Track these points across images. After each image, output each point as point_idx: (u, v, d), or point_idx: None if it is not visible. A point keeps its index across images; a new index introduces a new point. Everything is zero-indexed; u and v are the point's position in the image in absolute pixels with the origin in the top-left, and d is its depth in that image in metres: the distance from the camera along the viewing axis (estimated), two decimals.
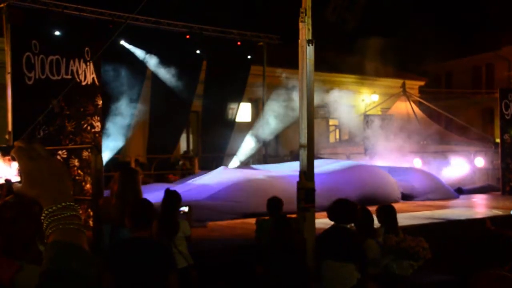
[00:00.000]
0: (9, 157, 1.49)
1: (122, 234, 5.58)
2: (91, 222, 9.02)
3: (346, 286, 5.85)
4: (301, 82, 7.14)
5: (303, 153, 6.99)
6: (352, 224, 6.21)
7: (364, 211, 6.65)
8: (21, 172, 1.47)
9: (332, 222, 6.07)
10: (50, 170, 1.47)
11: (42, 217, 1.43)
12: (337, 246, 5.87)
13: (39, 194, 1.44)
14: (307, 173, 6.95)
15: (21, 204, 2.47)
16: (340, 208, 6.06)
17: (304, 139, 7.04)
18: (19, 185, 1.48)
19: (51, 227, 1.41)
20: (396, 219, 6.90)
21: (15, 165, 1.48)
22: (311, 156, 7.00)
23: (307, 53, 7.05)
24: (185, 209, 6.86)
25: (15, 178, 1.49)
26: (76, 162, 10.79)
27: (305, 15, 7.04)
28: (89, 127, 11.07)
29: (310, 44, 7.04)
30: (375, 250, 6.34)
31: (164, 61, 17.73)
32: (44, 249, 1.42)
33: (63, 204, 1.44)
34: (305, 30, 7.04)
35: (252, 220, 8.27)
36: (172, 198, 6.50)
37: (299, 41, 7.12)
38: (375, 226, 6.71)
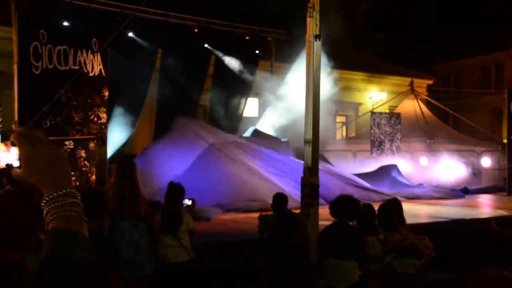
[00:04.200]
0: (9, 142, 1.47)
1: (121, 227, 5.57)
2: None
3: (348, 283, 5.83)
4: (307, 77, 7.12)
5: (308, 149, 6.97)
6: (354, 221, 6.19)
7: (367, 208, 6.64)
8: (21, 157, 1.45)
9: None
10: (50, 156, 1.45)
11: (42, 204, 1.41)
12: (339, 244, 5.85)
13: (39, 180, 1.42)
14: (311, 169, 6.93)
15: (21, 192, 2.46)
16: (343, 205, 6.03)
17: (309, 135, 7.01)
18: (19, 170, 1.45)
19: (52, 214, 1.39)
20: (396, 216, 6.86)
21: (14, 150, 1.46)
22: (316, 152, 6.99)
23: (314, 48, 7.02)
24: (188, 202, 6.85)
25: (16, 163, 1.47)
26: (82, 153, 10.82)
27: (313, 10, 7.01)
28: (95, 118, 11.08)
29: (317, 39, 7.01)
30: (375, 247, 6.32)
31: (172, 55, 17.73)
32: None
33: (64, 191, 1.42)
34: (312, 25, 7.01)
35: (255, 215, 8.26)
36: (176, 191, 6.49)
37: (307, 36, 7.09)
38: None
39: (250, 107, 21.90)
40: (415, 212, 12.00)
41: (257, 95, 22.68)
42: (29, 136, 1.45)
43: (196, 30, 17.83)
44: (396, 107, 26.12)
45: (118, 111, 15.71)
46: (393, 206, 6.99)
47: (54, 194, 1.41)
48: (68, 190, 1.43)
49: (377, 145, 20.91)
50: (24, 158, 1.44)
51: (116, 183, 5.81)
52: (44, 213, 1.41)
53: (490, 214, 12.38)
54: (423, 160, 21.00)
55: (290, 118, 18.14)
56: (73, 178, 10.53)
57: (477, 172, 21.13)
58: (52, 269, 1.32)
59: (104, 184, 7.47)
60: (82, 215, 1.43)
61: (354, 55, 25.80)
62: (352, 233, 5.97)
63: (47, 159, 1.44)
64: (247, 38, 18.97)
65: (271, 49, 19.87)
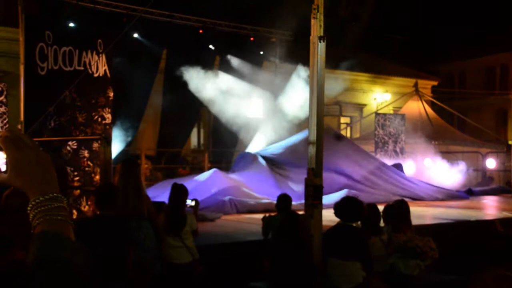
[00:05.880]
0: None
1: (129, 227, 5.58)
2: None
3: (352, 284, 5.84)
4: (311, 78, 7.11)
5: (312, 150, 6.97)
6: (359, 222, 6.20)
7: (371, 208, 6.64)
8: (7, 162, 1.44)
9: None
10: (37, 160, 1.44)
11: (29, 208, 1.40)
12: (343, 244, 5.86)
13: (25, 185, 1.42)
14: (315, 170, 6.93)
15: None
16: (348, 206, 6.05)
17: (313, 136, 7.01)
18: (5, 175, 1.45)
19: (38, 217, 1.38)
20: (402, 217, 6.86)
21: (1, 155, 1.46)
22: (320, 153, 6.98)
23: (318, 49, 7.02)
24: (192, 203, 6.87)
25: (4, 167, 1.48)
26: (86, 153, 10.83)
27: (317, 11, 7.01)
28: (100, 119, 11.10)
29: (322, 41, 7.01)
30: (378, 248, 6.33)
31: (177, 55, 17.76)
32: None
33: (50, 195, 1.41)
34: (316, 27, 7.01)
35: (259, 216, 8.26)
36: (179, 192, 6.51)
37: (311, 37, 7.09)
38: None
39: (254, 108, 21.90)
40: (420, 213, 11.97)
41: (261, 96, 22.69)
42: (15, 140, 1.45)
43: (200, 31, 17.88)
44: (400, 108, 26.07)
45: (122, 112, 15.76)
46: (398, 207, 7.00)
47: (41, 198, 1.40)
48: (54, 194, 1.42)
49: (380, 146, 20.87)
50: (10, 162, 1.43)
51: (119, 183, 5.84)
52: (31, 217, 1.40)
53: (495, 215, 12.34)
54: (428, 161, 20.95)
55: (295, 119, 18.13)
56: (77, 178, 10.56)
57: (485, 176, 21.02)
58: (42, 271, 1.31)
59: None
60: (68, 219, 1.42)
61: (358, 56, 25.76)
62: (356, 234, 5.98)
63: (34, 163, 1.43)
64: (251, 39, 19.00)
65: (275, 50, 19.89)
